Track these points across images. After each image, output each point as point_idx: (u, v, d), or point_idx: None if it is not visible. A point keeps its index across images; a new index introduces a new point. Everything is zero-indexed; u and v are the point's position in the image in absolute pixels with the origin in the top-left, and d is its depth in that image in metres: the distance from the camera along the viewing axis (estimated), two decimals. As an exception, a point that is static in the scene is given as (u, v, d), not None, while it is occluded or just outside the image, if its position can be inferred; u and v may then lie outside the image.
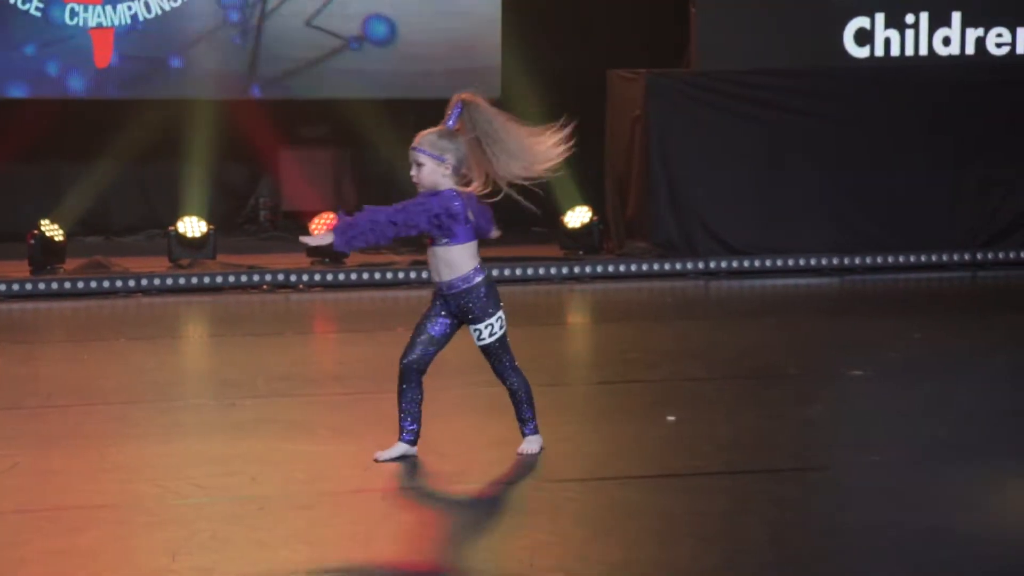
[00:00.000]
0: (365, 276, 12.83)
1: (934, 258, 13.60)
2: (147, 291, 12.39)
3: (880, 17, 13.91)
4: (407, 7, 14.37)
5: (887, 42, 13.94)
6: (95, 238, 14.47)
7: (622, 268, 13.35)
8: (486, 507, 6.08)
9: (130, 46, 13.79)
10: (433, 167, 6.47)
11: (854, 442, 7.27)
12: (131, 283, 12.42)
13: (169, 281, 12.49)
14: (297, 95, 14.33)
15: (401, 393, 6.70)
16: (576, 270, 13.26)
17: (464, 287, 6.58)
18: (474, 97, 6.54)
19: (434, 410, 7.13)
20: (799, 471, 6.61)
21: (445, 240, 6.52)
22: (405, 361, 6.68)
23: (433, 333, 6.66)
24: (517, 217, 14.66)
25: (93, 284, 12.37)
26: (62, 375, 9.06)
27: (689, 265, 13.45)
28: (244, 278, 12.67)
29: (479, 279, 6.60)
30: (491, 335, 6.61)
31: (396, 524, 5.87)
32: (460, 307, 6.60)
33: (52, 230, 12.81)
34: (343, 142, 15.16)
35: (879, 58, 13.91)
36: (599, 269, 13.30)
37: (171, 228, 13.12)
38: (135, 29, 13.77)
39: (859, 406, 8.07)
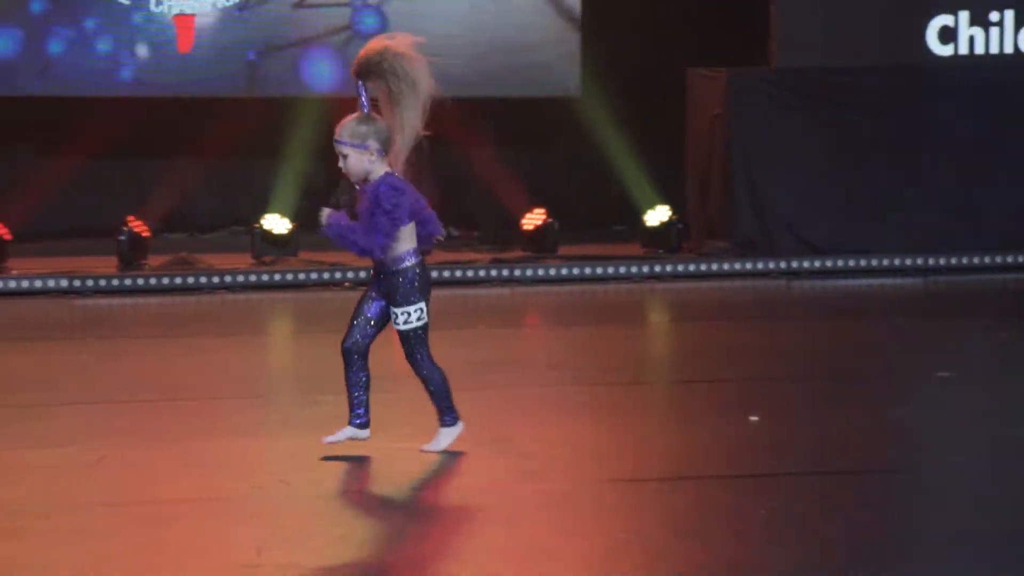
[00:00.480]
0: (446, 274, 12.88)
1: (1020, 259, 13.45)
2: (231, 287, 12.50)
3: (964, 15, 13.78)
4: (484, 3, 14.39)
5: (971, 40, 13.81)
6: (179, 235, 14.63)
7: (703, 267, 13.31)
8: (566, 506, 6.08)
9: (210, 41, 13.91)
10: (357, 156, 6.46)
11: (939, 445, 7.21)
12: (215, 279, 12.54)
13: (252, 278, 12.61)
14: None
15: (346, 378, 6.75)
16: (657, 269, 13.23)
17: (394, 268, 6.56)
18: (362, 61, 6.43)
19: (515, 408, 7.18)
20: (883, 473, 6.56)
21: None
22: (345, 345, 6.71)
23: (369, 314, 6.68)
24: (598, 216, 14.64)
25: (178, 280, 12.51)
26: (148, 370, 9.16)
27: (771, 265, 13.39)
28: (326, 275, 12.75)
29: (411, 262, 6.57)
30: (406, 323, 6.59)
31: (476, 522, 5.89)
32: (389, 286, 6.60)
33: (139, 226, 12.96)
34: (423, 141, 15.19)
35: (963, 56, 13.78)
36: (680, 268, 13.27)
37: (255, 225, 13.24)
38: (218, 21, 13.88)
39: (945, 408, 8.00)
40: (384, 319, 6.69)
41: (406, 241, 6.56)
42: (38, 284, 12.31)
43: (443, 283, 12.82)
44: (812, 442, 7.07)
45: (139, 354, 9.86)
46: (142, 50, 13.82)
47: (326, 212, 6.51)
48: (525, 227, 14.03)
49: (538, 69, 14.30)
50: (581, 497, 6.18)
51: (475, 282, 12.91)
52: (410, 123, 6.48)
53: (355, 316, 6.70)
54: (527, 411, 7.67)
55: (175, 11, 13.81)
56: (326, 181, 15.36)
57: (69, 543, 5.53)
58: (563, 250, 13.67)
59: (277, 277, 12.67)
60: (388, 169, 6.50)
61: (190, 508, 6.03)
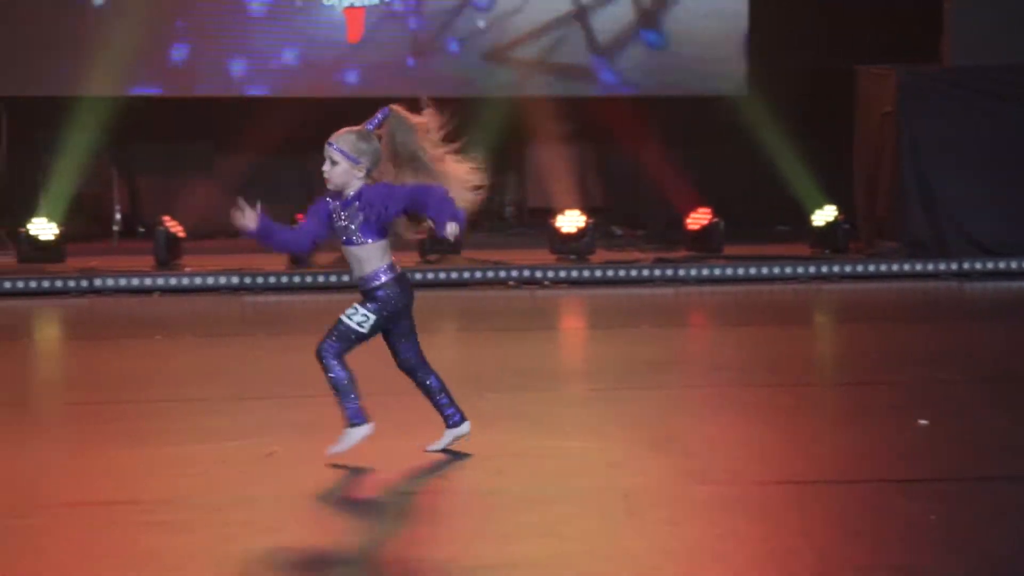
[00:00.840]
0: (610, 273, 12.86)
1: None
2: (396, 285, 12.62)
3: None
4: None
5: None
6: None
7: (871, 268, 13.12)
8: (732, 508, 6.03)
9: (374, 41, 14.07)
10: (347, 168, 6.48)
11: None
12: (381, 277, 12.67)
13: (418, 276, 12.71)
14: (545, 92, 14.43)
15: (422, 391, 6.84)
16: (824, 270, 13.07)
17: (368, 286, 6.60)
18: (402, 110, 6.51)
19: (680, 408, 7.13)
20: (1057, 479, 6.41)
21: (364, 240, 6.52)
22: (399, 366, 6.82)
23: (392, 339, 6.74)
24: (763, 216, 14.49)
25: (345, 278, 12.66)
26: (315, 366, 9.24)
27: (941, 266, 13.14)
28: (490, 274, 12.81)
29: (385, 279, 6.59)
30: (348, 317, 6.61)
31: (642, 522, 5.86)
32: (362, 294, 6.63)
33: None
34: (589, 139, 15.22)
35: None
36: (848, 269, 13.10)
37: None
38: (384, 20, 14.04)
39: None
40: (408, 331, 6.73)
41: (377, 259, 6.56)
42: (210, 281, 12.55)
43: (606, 282, 12.81)
44: (983, 446, 6.92)
45: (307, 350, 9.96)
46: (314, 50, 14.01)
47: (249, 213, 6.48)
48: (690, 226, 13.95)
49: (704, 67, 14.21)
50: (748, 498, 6.12)
51: (639, 281, 12.87)
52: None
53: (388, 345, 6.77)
54: (692, 411, 7.62)
55: (345, 4, 13.99)
56: (490, 180, 15.47)
57: (239, 536, 5.62)
58: (728, 250, 13.56)
59: (442, 275, 12.76)
60: (365, 183, 6.51)
61: (353, 503, 6.09)
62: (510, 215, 15.62)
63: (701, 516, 5.91)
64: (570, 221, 13.37)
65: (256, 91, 14.02)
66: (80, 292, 12.33)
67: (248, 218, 6.49)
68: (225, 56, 13.91)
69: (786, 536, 5.57)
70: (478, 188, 6.61)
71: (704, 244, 13.64)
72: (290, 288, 12.57)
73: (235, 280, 12.55)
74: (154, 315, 11.71)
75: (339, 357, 6.65)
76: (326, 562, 5.34)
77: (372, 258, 6.54)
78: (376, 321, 6.57)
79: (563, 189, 14.95)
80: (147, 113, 14.27)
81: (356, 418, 6.67)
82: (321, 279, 12.64)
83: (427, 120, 6.52)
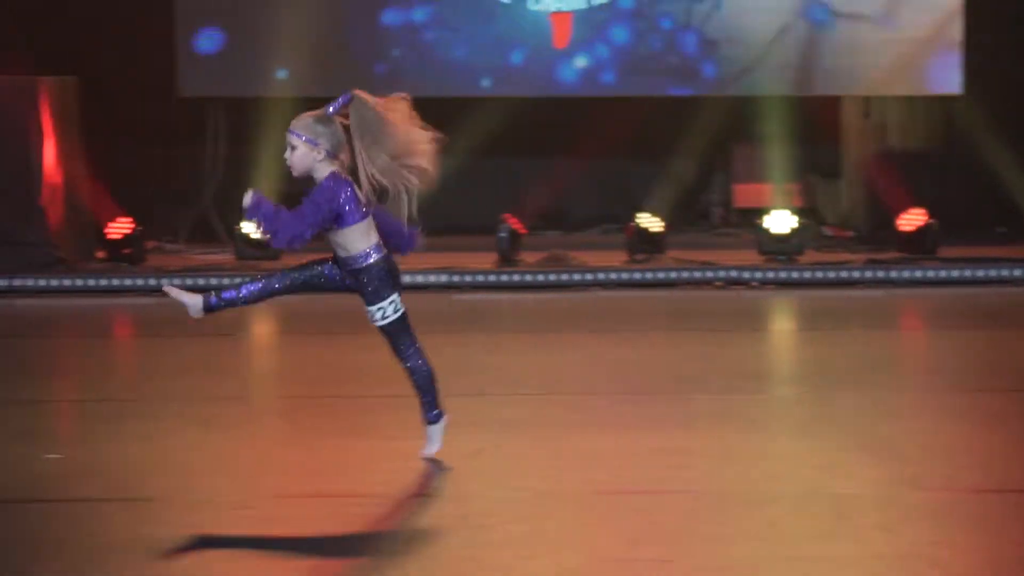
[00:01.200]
0: (819, 274, 12.71)
1: None
2: (604, 285, 12.66)
3: None
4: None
5: None
6: (553, 232, 14.89)
7: (1093, 270, 12.75)
8: (949, 515, 5.92)
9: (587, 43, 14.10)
10: (306, 151, 6.34)
11: None
12: (588, 276, 12.72)
13: (625, 276, 12.73)
14: (749, 92, 14.31)
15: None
16: (1042, 271, 12.75)
17: (357, 266, 6.46)
18: (364, 94, 6.36)
19: (893, 411, 7.02)
20: None
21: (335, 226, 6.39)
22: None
23: (324, 270, 6.57)
24: (979, 218, 14.15)
25: (552, 277, 12.74)
26: (525, 364, 9.35)
27: None
28: (697, 274, 12.77)
29: (374, 258, 6.46)
30: (384, 318, 6.53)
31: (855, 527, 5.79)
32: (358, 282, 6.50)
33: (516, 224, 13.25)
34: (793, 139, 15.04)
35: None
36: (1069, 271, 12.75)
37: (632, 223, 13.38)
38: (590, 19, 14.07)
39: None
40: (332, 282, 6.58)
41: (362, 239, 6.44)
42: (419, 279, 12.72)
43: (815, 284, 12.66)
44: None
45: (516, 348, 10.07)
46: (519, 49, 14.10)
47: (251, 193, 6.39)
48: (902, 228, 13.71)
49: (918, 66, 13.96)
50: (965, 506, 6.00)
51: (849, 283, 12.70)
52: (375, 165, 6.35)
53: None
54: (904, 415, 7.50)
55: (552, 8, 14.06)
56: (696, 180, 15.43)
57: (450, 530, 5.70)
58: (942, 252, 13.30)
59: (649, 275, 12.75)
60: (334, 169, 6.37)
61: (561, 500, 6.13)
62: (716, 216, 15.55)
63: (915, 522, 5.81)
64: (779, 222, 13.26)
65: (458, 92, 14.16)
66: (295, 289, 12.61)
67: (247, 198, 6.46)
68: (443, 54, 14.09)
69: (1007, 546, 5.45)
70: (430, 162, 6.50)
71: (917, 246, 13.39)
72: (497, 287, 12.67)
73: (443, 278, 12.71)
74: (363, 312, 11.88)
75: (418, 351, 6.67)
76: (534, 557, 5.38)
77: (353, 241, 6.43)
78: (395, 292, 6.53)
79: (769, 190, 14.83)
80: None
81: (435, 415, 6.72)
82: (529, 278, 12.73)
83: (390, 101, 6.41)
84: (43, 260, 12.76)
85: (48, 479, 6.54)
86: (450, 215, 14.77)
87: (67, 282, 12.51)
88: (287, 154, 6.39)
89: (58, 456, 6.91)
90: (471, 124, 14.06)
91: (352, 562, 5.41)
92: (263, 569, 5.36)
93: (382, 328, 6.61)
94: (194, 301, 6.67)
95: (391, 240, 6.58)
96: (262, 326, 11.65)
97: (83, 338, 11.02)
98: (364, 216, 6.41)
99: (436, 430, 6.73)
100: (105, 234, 13.33)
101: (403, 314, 6.58)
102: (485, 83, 14.15)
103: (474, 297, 12.41)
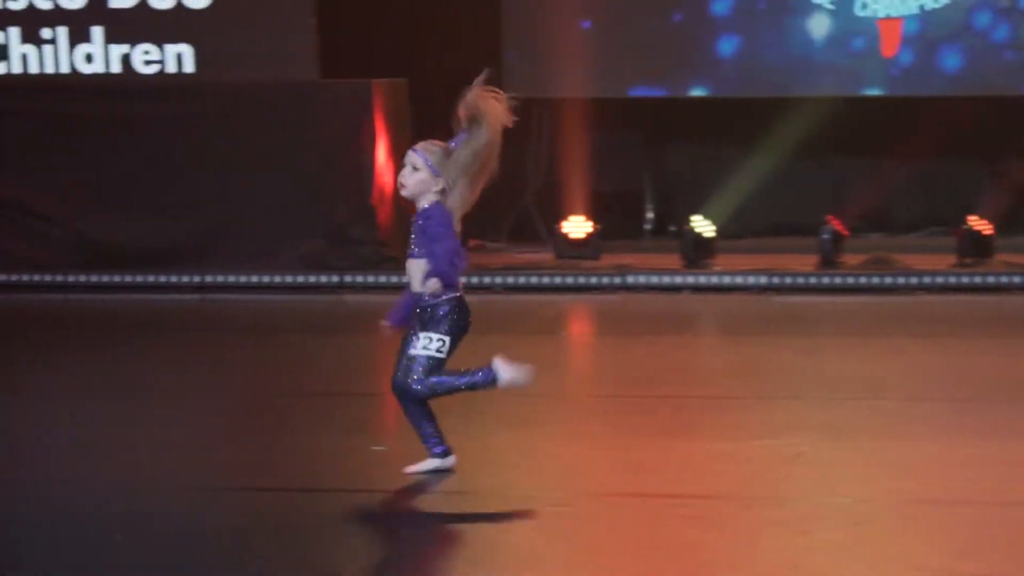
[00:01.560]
0: (1016, 280, 12.20)
1: None
2: (929, 288, 12.35)
3: None
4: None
5: None
6: (877, 234, 14.60)
7: None
8: None
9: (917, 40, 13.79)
10: (426, 177, 6.36)
11: None
12: (913, 280, 12.43)
13: (952, 279, 12.40)
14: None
15: (407, 413, 6.52)
16: None
17: (432, 302, 6.38)
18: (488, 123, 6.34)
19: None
20: None
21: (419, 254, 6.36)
22: (394, 380, 6.49)
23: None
24: None
25: (875, 280, 12.49)
26: (846, 368, 9.19)
27: None
28: (1027, 279, 12.36)
29: (448, 296, 6.37)
30: (424, 348, 6.37)
31: None
32: (424, 317, 6.39)
33: (839, 225, 13.06)
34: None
35: None
36: None
37: (961, 226, 13.04)
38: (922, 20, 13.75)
39: None
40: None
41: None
42: (739, 280, 12.65)
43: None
44: None
45: (837, 352, 9.91)
46: (844, 52, 13.89)
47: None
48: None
49: None
50: None
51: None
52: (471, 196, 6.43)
53: (399, 354, 6.53)
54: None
55: (880, 15, 13.79)
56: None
57: (771, 535, 5.66)
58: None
59: (977, 279, 12.39)
60: (438, 200, 6.40)
61: (882, 508, 6.01)
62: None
63: None
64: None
65: (782, 92, 14.01)
66: (613, 289, 12.68)
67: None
68: (770, 55, 13.97)
69: None
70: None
71: None
72: (818, 289, 12.49)
73: (763, 280, 12.60)
74: (683, 313, 11.90)
75: (426, 386, 6.46)
76: (852, 564, 5.28)
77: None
78: (448, 336, 6.42)
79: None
80: (685, 112, 14.53)
81: (441, 450, 6.63)
82: (851, 280, 12.51)
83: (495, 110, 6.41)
84: (372, 257, 13.16)
85: (374, 470, 6.75)
86: (772, 216, 14.69)
87: (394, 279, 12.86)
88: (404, 172, 6.47)
89: (383, 448, 7.12)
90: (794, 125, 13.92)
91: (666, 563, 5.42)
92: (578, 566, 5.42)
93: (411, 356, 6.46)
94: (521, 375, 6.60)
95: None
96: (581, 325, 11.78)
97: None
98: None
99: (433, 463, 6.61)
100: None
101: (441, 360, 6.44)
102: (807, 84, 13.97)
103: (794, 299, 12.26)
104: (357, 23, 14.35)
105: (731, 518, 5.87)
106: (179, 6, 13.63)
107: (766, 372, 9.06)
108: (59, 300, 12.70)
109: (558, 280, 12.76)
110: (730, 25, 14.02)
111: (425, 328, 6.42)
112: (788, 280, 12.61)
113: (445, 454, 6.59)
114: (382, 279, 12.85)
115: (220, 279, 13.03)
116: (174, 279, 13.03)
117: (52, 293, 12.87)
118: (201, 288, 12.96)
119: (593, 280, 12.78)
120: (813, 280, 12.62)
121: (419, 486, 6.41)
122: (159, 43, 13.73)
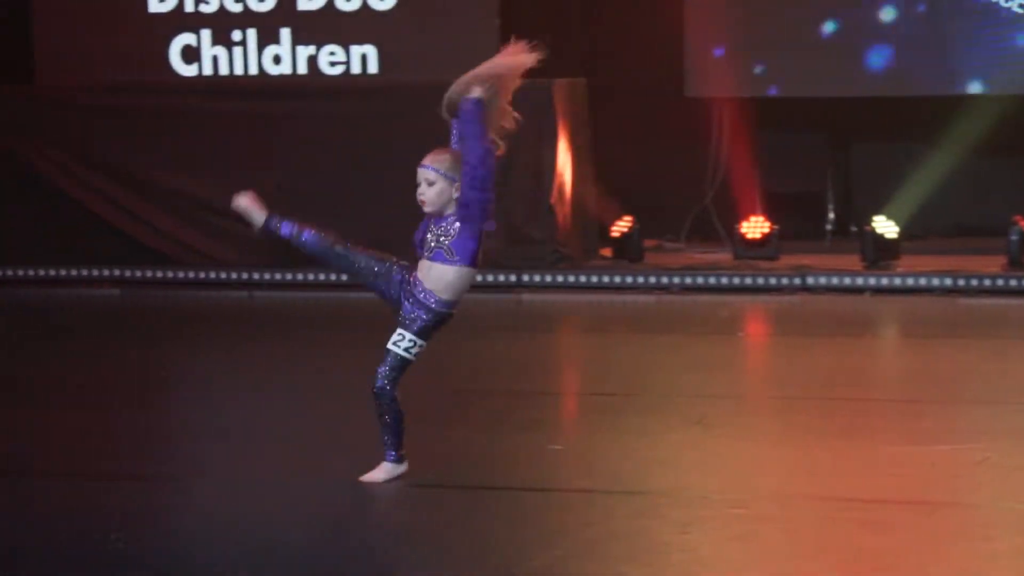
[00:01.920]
0: None
1: None
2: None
3: None
4: None
5: None
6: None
7: None
8: None
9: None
10: (445, 187, 6.37)
11: None
12: None
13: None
14: None
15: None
16: None
17: (425, 301, 6.37)
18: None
19: None
20: None
21: (457, 259, 6.35)
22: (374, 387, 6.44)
23: (395, 275, 6.56)
24: None
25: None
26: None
27: None
28: None
29: (440, 308, 6.39)
30: (394, 344, 6.35)
31: None
32: (408, 312, 6.35)
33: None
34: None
35: None
36: None
37: None
38: None
39: None
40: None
41: (448, 289, 6.42)
42: (922, 282, 12.43)
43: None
44: None
45: (1022, 356, 9.69)
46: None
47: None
48: None
49: None
50: None
51: None
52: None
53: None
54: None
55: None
56: None
57: (951, 542, 5.55)
58: None
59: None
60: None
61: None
62: None
63: None
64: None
65: (972, 89, 13.72)
66: (792, 290, 12.55)
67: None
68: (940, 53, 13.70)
69: None
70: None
71: None
72: (1006, 291, 12.21)
73: (948, 282, 12.35)
74: (864, 315, 11.73)
75: (394, 391, 6.41)
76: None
77: (446, 282, 6.43)
78: (420, 340, 6.40)
79: None
80: (867, 111, 14.33)
81: (396, 456, 6.53)
82: (1038, 283, 12.23)
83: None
84: (549, 257, 13.20)
85: (550, 469, 6.78)
86: (958, 217, 14.39)
87: (571, 278, 12.89)
88: (422, 190, 6.49)
89: (559, 448, 7.14)
90: (979, 123, 13.64)
91: (842, 569, 5.35)
92: (754, 570, 5.38)
93: (389, 350, 6.43)
94: (260, 217, 6.76)
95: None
96: (759, 326, 11.70)
97: (584, 333, 11.35)
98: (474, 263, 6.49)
99: (388, 468, 6.49)
100: (609, 233, 13.66)
101: (409, 361, 6.41)
102: (976, 84, 13.65)
103: (980, 302, 12.01)
104: (539, 24, 14.40)
105: (910, 524, 5.78)
106: (364, 7, 13.80)
107: (949, 376, 8.90)
108: (244, 297, 12.98)
109: (736, 281, 12.66)
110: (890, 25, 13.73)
111: (404, 325, 6.41)
112: (974, 282, 12.35)
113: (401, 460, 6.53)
114: (559, 278, 12.88)
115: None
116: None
117: (237, 291, 13.15)
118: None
119: (772, 281, 12.66)
120: (1000, 282, 12.34)
121: (593, 486, 6.41)
122: (344, 44, 13.91)
